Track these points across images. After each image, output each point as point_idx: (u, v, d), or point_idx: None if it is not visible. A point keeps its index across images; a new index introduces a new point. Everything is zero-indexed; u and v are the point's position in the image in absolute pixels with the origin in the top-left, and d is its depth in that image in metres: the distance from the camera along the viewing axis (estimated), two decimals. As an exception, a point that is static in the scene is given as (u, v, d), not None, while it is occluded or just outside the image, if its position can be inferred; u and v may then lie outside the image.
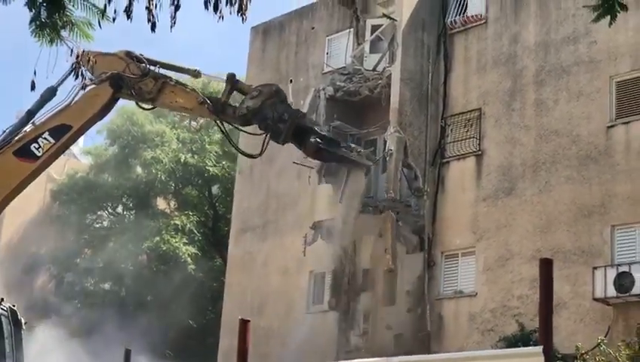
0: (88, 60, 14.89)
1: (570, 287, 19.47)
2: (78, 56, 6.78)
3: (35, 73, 7.69)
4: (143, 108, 18.06)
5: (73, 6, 6.87)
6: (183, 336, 31.37)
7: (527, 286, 19.75)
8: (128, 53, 16.11)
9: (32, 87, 7.85)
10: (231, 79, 15.92)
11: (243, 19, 6.57)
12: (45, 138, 15.76)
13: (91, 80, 15.86)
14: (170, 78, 16.09)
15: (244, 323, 9.46)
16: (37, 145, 15.70)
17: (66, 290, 33.68)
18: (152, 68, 16.03)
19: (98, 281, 34.02)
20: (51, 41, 7.00)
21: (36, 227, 37.04)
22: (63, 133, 15.82)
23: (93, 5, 6.84)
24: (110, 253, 32.78)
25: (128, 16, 6.61)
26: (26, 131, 15.93)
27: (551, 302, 6.92)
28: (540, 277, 7.01)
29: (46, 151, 15.73)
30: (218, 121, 16.29)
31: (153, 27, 6.72)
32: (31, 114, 16.07)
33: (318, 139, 15.92)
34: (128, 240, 32.27)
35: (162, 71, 16.23)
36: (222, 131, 16.46)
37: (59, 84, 15.81)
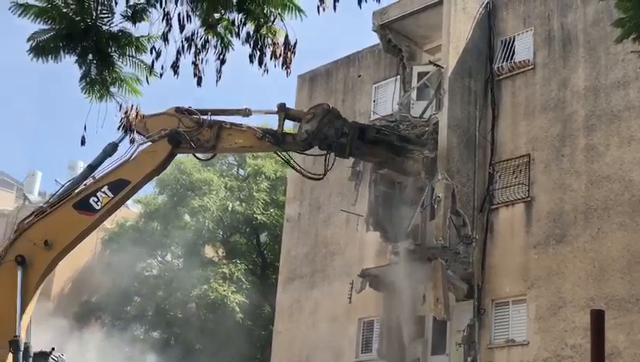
0: (143, 124, 15.30)
1: (624, 336, 19.06)
2: (127, 115, 6.87)
3: (85, 128, 7.78)
4: (202, 160, 18.38)
5: (122, 63, 6.98)
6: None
7: (581, 334, 19.37)
8: (178, 109, 16.42)
9: (82, 142, 7.95)
10: (282, 108, 16.11)
11: (287, 72, 6.61)
12: (104, 192, 16.09)
13: (149, 137, 16.19)
14: (223, 122, 16.33)
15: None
16: (96, 199, 16.03)
17: (117, 337, 33.83)
18: (204, 117, 16.29)
19: (148, 329, 34.13)
20: (101, 97, 7.11)
21: (87, 276, 37.39)
22: (122, 188, 16.14)
23: (141, 61, 6.94)
24: (159, 300, 32.93)
25: (175, 72, 6.68)
26: (86, 185, 16.26)
27: (602, 352, 6.75)
28: (591, 327, 6.85)
29: (105, 205, 16.07)
30: (279, 152, 16.46)
31: (199, 82, 6.79)
32: (92, 168, 16.44)
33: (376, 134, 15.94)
34: (177, 287, 32.41)
35: (214, 117, 16.47)
36: (283, 159, 16.63)
37: (120, 140, 16.17)
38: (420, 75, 24.09)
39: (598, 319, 7.08)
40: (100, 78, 6.90)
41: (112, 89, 7.04)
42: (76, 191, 16.26)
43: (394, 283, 23.43)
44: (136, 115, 6.76)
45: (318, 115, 15.74)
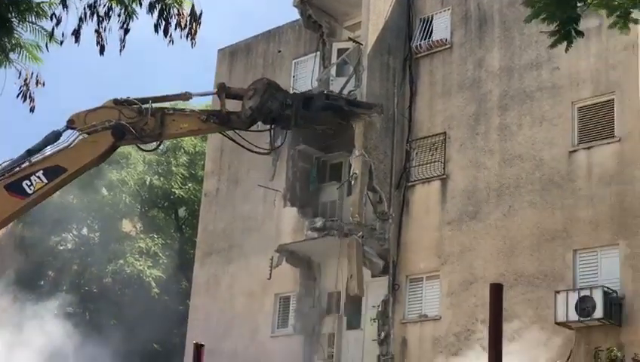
0: (83, 120, 15.07)
1: (532, 311, 19.53)
2: (27, 83, 6.72)
3: (-15, 95, 7.60)
4: (146, 151, 18.16)
5: (22, 29, 6.83)
6: (148, 360, 31.08)
7: (491, 310, 19.76)
8: (116, 101, 16.16)
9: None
10: (222, 88, 16.01)
11: (192, 43, 6.55)
12: (38, 177, 15.77)
13: (93, 127, 15.93)
14: (166, 108, 16.10)
15: (197, 348, 9.43)
16: (29, 183, 15.71)
17: (30, 312, 33.26)
18: (145, 106, 16.05)
19: (62, 304, 33.63)
20: (0, 64, 6.95)
21: (0, 250, 36.63)
22: (57, 175, 15.85)
23: (42, 28, 6.80)
24: (74, 275, 32.47)
25: (77, 40, 6.57)
26: (21, 167, 15.93)
27: (500, 325, 6.91)
28: (490, 301, 7.00)
29: (37, 189, 15.74)
30: (225, 134, 16.30)
31: (102, 50, 6.69)
32: (30, 153, 16.10)
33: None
34: (93, 262, 32.00)
35: (155, 105, 16.24)
36: (230, 138, 16.47)
37: (64, 129, 15.88)
38: (340, 52, 24.15)
39: (496, 293, 7.25)
40: (-1, 44, 6.75)
41: (12, 55, 6.89)
42: (10, 173, 15.93)
43: (310, 259, 23.59)
44: (37, 83, 6.62)
45: (259, 90, 15.66)
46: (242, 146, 16.70)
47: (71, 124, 15.94)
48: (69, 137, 16.00)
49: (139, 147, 17.26)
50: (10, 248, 35.13)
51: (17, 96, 7.13)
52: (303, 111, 15.51)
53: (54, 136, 16.08)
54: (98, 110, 16.07)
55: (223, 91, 15.92)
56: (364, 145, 22.12)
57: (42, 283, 33.35)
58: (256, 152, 16.57)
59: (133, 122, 15.83)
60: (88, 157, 16.11)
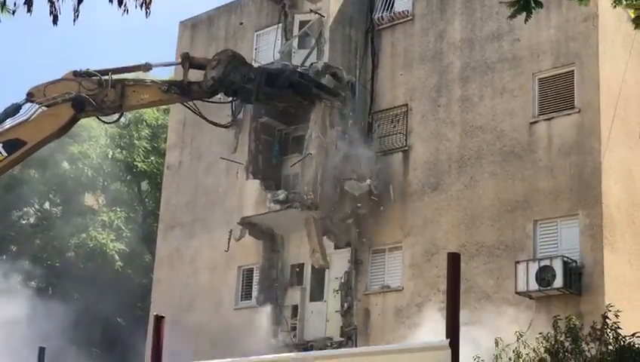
0: (42, 92, 14.90)
1: (493, 281, 19.74)
2: (32, 94, 6.58)
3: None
4: (107, 123, 17.99)
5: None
6: (111, 333, 31.00)
7: (452, 280, 19.92)
8: (76, 73, 15.96)
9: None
10: (186, 58, 15.85)
11: (147, 13, 6.49)
12: None
13: (53, 99, 15.70)
14: (126, 79, 15.93)
15: (158, 320, 9.38)
16: None
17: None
18: (105, 77, 15.84)
19: (25, 278, 33.40)
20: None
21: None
22: (17, 148, 15.73)
23: (-7, -2, 6.70)
24: (36, 249, 32.23)
25: (29, 10, 6.48)
26: None
27: (458, 295, 6.94)
28: (447, 270, 7.03)
29: None
30: (186, 103, 16.16)
31: (55, 20, 6.60)
32: None
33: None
34: (55, 236, 31.77)
35: (115, 76, 16.06)
36: (192, 110, 16.32)
37: (23, 102, 15.66)
38: (302, 24, 24.05)
39: (454, 262, 7.28)
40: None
41: (-37, 26, 6.77)
42: None
43: (273, 232, 23.60)
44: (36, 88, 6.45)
45: (223, 62, 15.58)
46: (204, 118, 16.61)
47: (30, 97, 15.80)
48: (28, 110, 15.86)
49: (100, 119, 17.12)
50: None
51: None
52: (265, 87, 15.45)
53: (13, 109, 15.93)
54: (57, 82, 15.91)
55: (187, 61, 15.83)
56: (321, 127, 22.05)
57: (4, 257, 33.06)
58: (216, 125, 16.51)
59: (93, 94, 15.70)
60: (48, 130, 16.00)
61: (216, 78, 15.50)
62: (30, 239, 32.78)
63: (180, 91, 15.67)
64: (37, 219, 34.30)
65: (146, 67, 16.38)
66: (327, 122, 21.91)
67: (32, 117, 15.89)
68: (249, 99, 16.03)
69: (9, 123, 16.15)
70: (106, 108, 16.10)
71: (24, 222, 34.34)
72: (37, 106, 15.85)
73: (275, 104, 16.99)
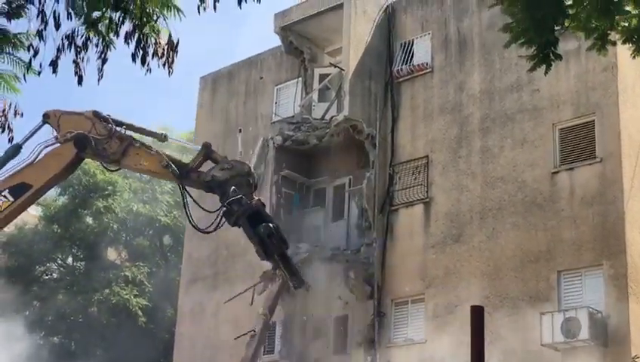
0: (57, 119, 14.97)
1: (518, 333, 19.54)
2: (5, 114, 6.71)
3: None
4: (109, 170, 17.91)
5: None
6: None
7: (476, 332, 19.75)
8: (95, 113, 15.93)
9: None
10: (206, 148, 15.69)
11: (170, 72, 6.59)
12: (5, 196, 15.61)
13: (56, 138, 15.75)
14: (134, 140, 15.83)
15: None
16: None
17: (15, 343, 33.02)
18: (118, 129, 15.83)
19: (47, 334, 33.43)
20: (-23, 95, 6.96)
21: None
22: (23, 192, 15.65)
23: (19, 59, 6.83)
24: (60, 304, 32.28)
25: (54, 70, 6.59)
26: None
27: (482, 348, 6.89)
28: (471, 324, 6.99)
29: (4, 209, 15.59)
30: (181, 188, 15.87)
31: (80, 81, 6.71)
32: None
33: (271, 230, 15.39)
34: (78, 291, 31.83)
35: (129, 133, 16.03)
36: (182, 198, 16.02)
37: (24, 142, 15.65)
38: (322, 77, 24.27)
39: (477, 315, 7.22)
40: (-25, 76, 6.77)
41: (-10, 86, 6.90)
42: None
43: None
44: (15, 114, 6.63)
45: (234, 170, 15.30)
46: (189, 220, 16.17)
47: (46, 118, 15.81)
48: (32, 152, 15.77)
49: (103, 165, 16.87)
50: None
51: (35, 131, 7.12)
52: (246, 222, 15.21)
53: (14, 150, 15.85)
54: (74, 115, 15.86)
55: (204, 151, 15.65)
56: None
57: (27, 313, 33.14)
58: (196, 229, 16.15)
59: (98, 139, 15.64)
60: (53, 171, 15.91)
61: (217, 178, 15.30)
62: (53, 294, 32.85)
63: (177, 173, 15.48)
64: (60, 274, 34.44)
65: (162, 138, 16.37)
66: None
67: (37, 159, 15.85)
68: (228, 219, 15.68)
69: (11, 166, 16.04)
70: (105, 157, 16.01)
71: (47, 277, 34.48)
72: (41, 148, 15.78)
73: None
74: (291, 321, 23.41)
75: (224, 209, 15.12)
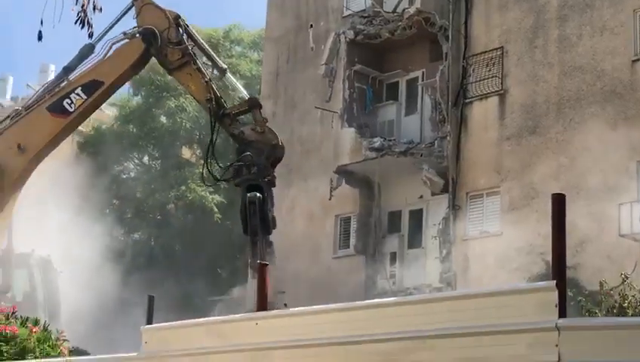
0: (139, 7, 15.03)
1: (596, 224, 19.33)
2: (84, 9, 6.69)
3: (41, 23, 7.63)
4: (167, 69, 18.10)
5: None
6: (212, 285, 31.64)
7: (553, 224, 19.59)
8: (177, 18, 15.87)
9: (39, 38, 7.80)
10: (252, 103, 15.59)
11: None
12: (77, 94, 15.81)
13: (124, 34, 15.83)
14: (195, 60, 15.76)
15: (262, 267, 9.55)
16: (69, 101, 15.77)
17: (95, 241, 33.98)
18: (187, 42, 15.78)
19: (128, 230, 34.31)
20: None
21: (64, 180, 37.26)
22: (95, 89, 15.83)
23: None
24: (138, 202, 33.00)
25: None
26: (60, 87, 15.99)
27: (564, 237, 6.79)
28: (552, 212, 6.89)
29: (78, 106, 15.81)
30: (212, 125, 15.80)
31: None
32: (67, 70, 16.07)
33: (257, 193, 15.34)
34: (155, 189, 32.44)
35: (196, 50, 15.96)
36: (211, 134, 16.00)
37: (97, 40, 15.72)
38: (393, -31, 23.74)
39: (559, 203, 7.10)
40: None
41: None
42: (50, 94, 16.03)
43: (369, 179, 23.60)
44: (94, 9, 6.60)
45: (263, 137, 15.08)
46: (209, 171, 16.10)
47: (134, 1, 15.92)
48: (102, 49, 15.89)
49: (160, 63, 16.84)
50: (74, 178, 35.72)
51: (75, 23, 7.11)
52: (243, 189, 15.13)
53: (88, 49, 15.97)
54: (157, 10, 15.84)
55: (249, 105, 15.57)
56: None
57: (107, 211, 34.00)
58: (211, 174, 16.18)
59: (164, 42, 15.65)
60: (123, 67, 16.04)
61: (241, 135, 15.20)
62: (131, 192, 33.56)
63: (214, 110, 15.38)
64: (137, 173, 35.11)
65: (222, 71, 16.35)
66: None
67: (106, 56, 15.94)
68: (233, 177, 15.57)
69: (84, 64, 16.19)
70: (162, 62, 16.09)
71: (125, 176, 35.18)
72: (109, 45, 15.88)
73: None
74: (366, 216, 23.56)
75: (237, 165, 15.17)
